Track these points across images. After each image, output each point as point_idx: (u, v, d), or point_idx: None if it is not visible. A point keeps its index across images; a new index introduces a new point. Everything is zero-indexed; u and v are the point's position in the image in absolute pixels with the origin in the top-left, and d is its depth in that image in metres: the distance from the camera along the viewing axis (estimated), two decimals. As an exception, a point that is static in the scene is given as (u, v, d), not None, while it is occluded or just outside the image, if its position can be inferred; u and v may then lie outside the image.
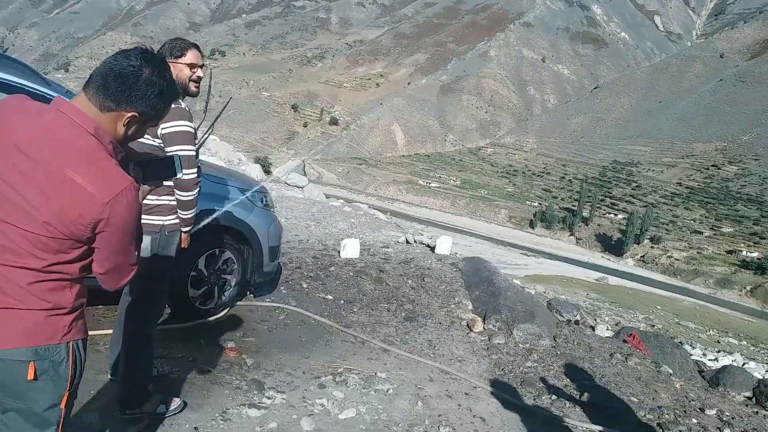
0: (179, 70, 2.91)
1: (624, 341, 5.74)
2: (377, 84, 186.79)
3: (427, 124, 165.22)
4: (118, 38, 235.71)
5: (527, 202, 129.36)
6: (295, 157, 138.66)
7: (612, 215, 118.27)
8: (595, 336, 5.75)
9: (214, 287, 4.62)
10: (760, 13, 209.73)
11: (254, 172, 13.85)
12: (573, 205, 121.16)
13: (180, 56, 2.92)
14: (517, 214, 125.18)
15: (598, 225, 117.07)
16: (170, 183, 2.90)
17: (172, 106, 2.52)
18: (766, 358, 22.46)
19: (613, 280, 58.68)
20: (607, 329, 6.59)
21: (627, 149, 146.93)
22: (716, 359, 12.67)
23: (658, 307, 44.76)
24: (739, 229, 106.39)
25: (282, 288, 5.68)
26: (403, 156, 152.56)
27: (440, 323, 5.43)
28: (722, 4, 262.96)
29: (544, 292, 12.96)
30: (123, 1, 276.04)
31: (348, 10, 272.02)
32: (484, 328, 5.35)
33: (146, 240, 2.93)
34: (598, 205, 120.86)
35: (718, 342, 31.23)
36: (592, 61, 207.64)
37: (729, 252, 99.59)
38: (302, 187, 14.08)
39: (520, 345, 5.11)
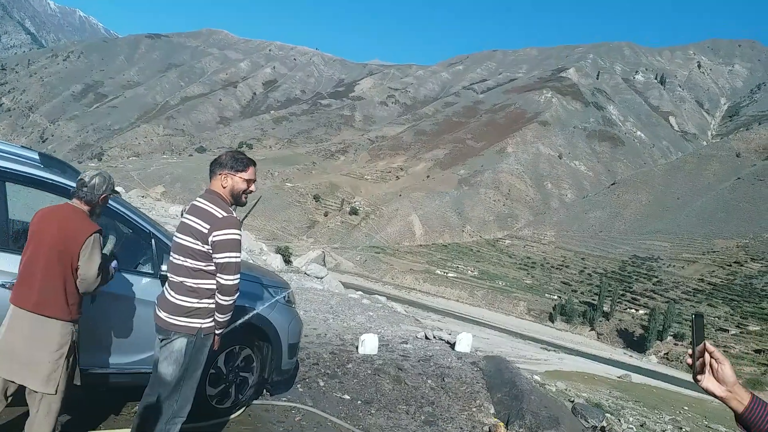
0: (236, 182, 3.11)
1: (655, 453, 5.44)
2: (397, 177, 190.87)
3: (445, 216, 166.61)
4: (150, 130, 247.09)
5: (546, 294, 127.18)
6: (314, 245, 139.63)
7: (633, 310, 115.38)
8: (624, 446, 5.46)
9: (231, 385, 4.55)
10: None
11: (275, 262, 13.95)
12: (593, 299, 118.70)
13: (241, 171, 3.12)
14: (536, 306, 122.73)
15: (620, 320, 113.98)
16: (212, 286, 3.02)
17: (226, 214, 2.99)
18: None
19: (637, 378, 56.36)
20: (637, 439, 6.26)
21: (646, 244, 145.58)
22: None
23: (685, 407, 42.48)
24: (766, 328, 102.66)
25: (299, 385, 5.57)
26: (421, 245, 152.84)
27: (461, 428, 5.24)
28: (736, 106, 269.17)
29: (566, 389, 12.48)
30: (159, 97, 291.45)
31: (371, 109, 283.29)
32: (506, 434, 5.14)
33: (181, 343, 3.04)
34: (618, 300, 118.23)
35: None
36: (608, 158, 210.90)
37: (757, 351, 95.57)
38: (321, 278, 14.11)
39: (545, 454, 4.88)
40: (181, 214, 3.34)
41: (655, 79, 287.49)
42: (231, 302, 3.09)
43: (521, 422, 5.21)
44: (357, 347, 7.22)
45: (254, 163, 3.28)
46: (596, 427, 5.91)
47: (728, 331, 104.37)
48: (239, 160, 3.16)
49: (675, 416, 34.60)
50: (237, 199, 3.14)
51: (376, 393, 5.79)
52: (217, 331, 3.20)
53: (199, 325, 3.08)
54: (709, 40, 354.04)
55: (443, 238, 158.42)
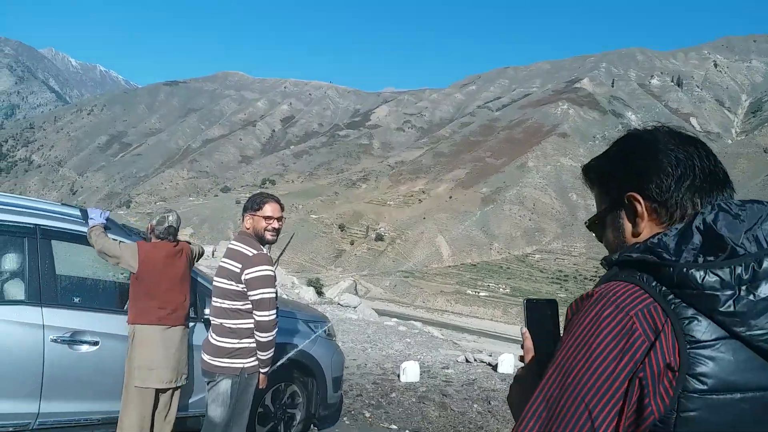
0: (257, 221, 3.22)
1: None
2: (420, 200, 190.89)
3: (471, 235, 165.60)
4: (176, 174, 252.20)
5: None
6: (343, 274, 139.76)
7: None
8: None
9: (280, 423, 4.57)
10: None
11: (307, 294, 14.02)
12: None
13: (258, 210, 3.23)
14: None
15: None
16: (250, 325, 3.11)
17: (256, 252, 3.10)
18: None
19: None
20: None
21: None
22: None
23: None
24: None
25: (345, 418, 5.55)
26: (450, 267, 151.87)
27: (513, 452, 5.15)
28: (758, 102, 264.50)
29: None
30: (181, 141, 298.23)
31: (389, 136, 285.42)
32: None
33: (226, 384, 3.12)
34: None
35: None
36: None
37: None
38: (355, 307, 14.11)
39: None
40: (212, 254, 3.54)
41: (672, 81, 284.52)
42: (270, 339, 3.14)
43: (574, 442, 5.08)
44: (399, 375, 7.17)
45: (275, 199, 3.41)
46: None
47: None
48: (255, 200, 3.32)
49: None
50: (261, 238, 3.24)
51: (422, 421, 5.73)
52: (262, 370, 3.25)
53: (241, 365, 3.14)
54: (722, 38, 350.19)
55: (471, 258, 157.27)
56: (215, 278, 3.30)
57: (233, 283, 3.08)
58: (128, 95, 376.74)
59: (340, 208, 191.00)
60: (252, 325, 3.13)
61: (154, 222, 3.93)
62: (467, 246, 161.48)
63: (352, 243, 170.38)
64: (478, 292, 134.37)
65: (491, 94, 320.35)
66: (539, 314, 1.20)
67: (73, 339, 3.65)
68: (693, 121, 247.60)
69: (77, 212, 4.11)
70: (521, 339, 1.17)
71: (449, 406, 6.14)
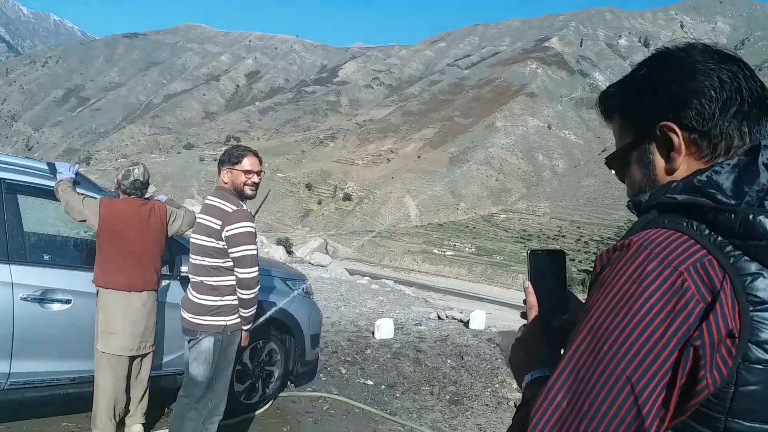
0: (235, 176, 3.13)
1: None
2: (388, 159, 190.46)
3: (439, 195, 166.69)
4: (137, 131, 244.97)
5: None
6: (311, 234, 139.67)
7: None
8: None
9: (258, 380, 4.56)
10: (760, 69, 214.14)
11: (277, 254, 13.93)
12: (591, 267, 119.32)
13: (236, 163, 3.14)
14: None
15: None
16: (231, 282, 3.05)
17: (236, 208, 3.05)
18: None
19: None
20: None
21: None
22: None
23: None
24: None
25: (321, 375, 5.59)
26: (417, 226, 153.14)
27: (487, 405, 5.27)
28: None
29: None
30: (142, 96, 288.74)
31: (357, 92, 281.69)
32: (532, 407, 5.17)
33: (209, 342, 3.07)
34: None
35: None
36: (597, 125, 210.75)
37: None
38: (326, 266, 14.11)
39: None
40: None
41: (639, 42, 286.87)
42: (253, 295, 3.09)
43: (546, 394, 5.24)
44: (373, 332, 7.24)
45: (253, 153, 3.29)
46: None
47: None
48: (232, 154, 3.20)
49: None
50: (240, 193, 3.14)
51: (398, 376, 5.82)
52: (244, 327, 3.20)
53: (224, 323, 3.08)
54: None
55: (438, 218, 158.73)
56: (193, 235, 3.21)
57: (213, 240, 3.01)
58: (85, 47, 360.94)
59: (308, 167, 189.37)
60: (233, 282, 3.07)
61: (119, 176, 3.71)
62: (434, 206, 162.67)
63: (319, 202, 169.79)
64: (445, 252, 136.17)
65: (461, 52, 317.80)
66: (544, 267, 1.08)
67: (44, 297, 3.52)
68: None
69: (44, 166, 3.92)
70: (524, 293, 1.06)
71: (423, 361, 6.24)
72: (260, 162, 3.33)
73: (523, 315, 1.04)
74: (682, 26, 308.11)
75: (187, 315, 3.14)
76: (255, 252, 3.07)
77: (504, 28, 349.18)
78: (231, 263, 3.03)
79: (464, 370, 6.10)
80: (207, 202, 3.16)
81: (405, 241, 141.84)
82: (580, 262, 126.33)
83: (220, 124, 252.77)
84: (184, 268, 4.04)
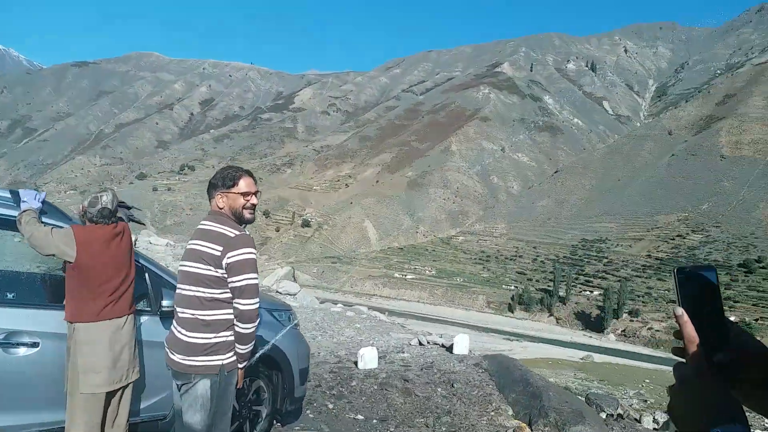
0: (232, 200, 2.88)
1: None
2: (346, 184, 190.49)
3: (398, 219, 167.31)
4: (87, 161, 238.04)
5: (503, 286, 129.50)
6: (269, 262, 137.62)
7: (588, 292, 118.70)
8: (647, 431, 5.38)
9: (245, 421, 4.20)
10: (699, 91, 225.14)
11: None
12: (549, 286, 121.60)
13: (232, 186, 2.89)
14: (495, 298, 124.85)
15: (576, 303, 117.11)
16: (228, 316, 2.76)
17: (238, 233, 2.80)
18: None
19: (599, 358, 58.14)
20: (654, 419, 6.21)
21: (594, 227, 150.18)
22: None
23: (647, 380, 44.00)
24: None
25: (308, 411, 5.24)
26: (377, 251, 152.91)
27: (485, 435, 5.03)
28: (663, 86, 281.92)
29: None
30: (92, 126, 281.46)
31: (313, 119, 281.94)
32: (533, 435, 4.96)
33: (205, 385, 2.74)
34: (573, 284, 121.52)
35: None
36: (549, 147, 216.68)
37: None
38: (294, 294, 13.71)
39: (576, 451, 4.72)
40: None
41: (586, 66, 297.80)
42: (253, 330, 2.78)
43: (546, 420, 5.03)
44: (356, 363, 6.92)
45: (247, 172, 3.03)
46: (613, 415, 5.81)
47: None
48: (227, 176, 2.93)
49: (638, 390, 35.70)
50: (240, 217, 2.87)
51: (388, 409, 5.51)
52: (240, 365, 2.86)
53: (220, 362, 2.75)
54: (633, 24, 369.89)
55: (398, 241, 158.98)
56: (184, 263, 2.87)
57: (211, 268, 2.70)
58: (32, 76, 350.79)
59: (265, 194, 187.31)
60: (229, 316, 2.76)
61: (85, 203, 3.38)
62: (394, 230, 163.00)
63: (277, 230, 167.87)
64: (405, 275, 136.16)
65: (415, 78, 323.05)
66: (698, 288, 0.86)
67: (9, 341, 3.12)
68: (605, 104, 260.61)
69: (7, 194, 3.52)
70: (675, 324, 0.83)
71: (413, 391, 5.96)
72: (256, 182, 3.05)
73: (677, 350, 0.85)
74: (626, 51, 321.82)
75: (177, 357, 2.79)
76: (257, 281, 2.82)
77: (456, 54, 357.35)
78: (228, 294, 2.76)
79: (456, 399, 5.85)
80: (202, 227, 2.86)
81: (365, 266, 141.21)
82: (537, 281, 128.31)
83: (174, 153, 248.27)
84: (165, 303, 3.70)
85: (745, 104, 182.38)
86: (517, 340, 74.57)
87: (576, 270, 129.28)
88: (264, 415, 4.34)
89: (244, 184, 2.93)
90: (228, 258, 2.70)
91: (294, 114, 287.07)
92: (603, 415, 5.74)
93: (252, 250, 2.79)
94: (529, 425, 5.11)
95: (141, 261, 3.84)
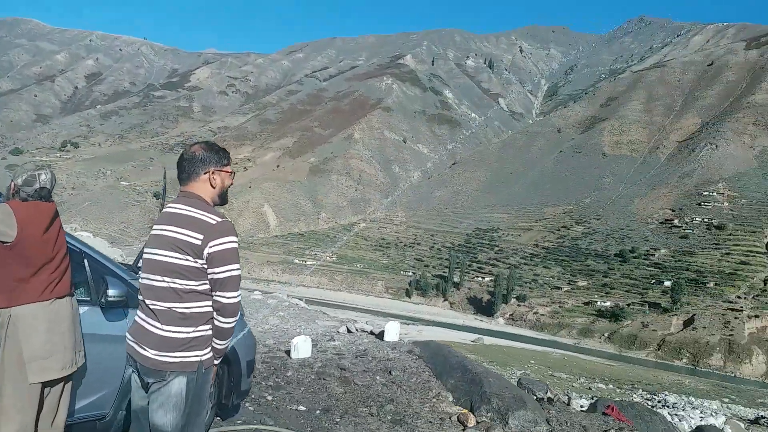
0: (224, 178, 2.67)
1: (604, 413, 5.70)
2: (245, 168, 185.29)
3: (299, 204, 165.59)
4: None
5: (402, 272, 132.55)
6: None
7: (480, 278, 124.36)
8: (580, 413, 5.64)
9: (189, 417, 3.88)
10: (585, 93, 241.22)
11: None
12: (444, 272, 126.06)
13: (227, 164, 2.68)
14: (394, 284, 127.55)
15: (469, 289, 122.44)
16: (207, 309, 2.53)
17: (219, 219, 2.52)
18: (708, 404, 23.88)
19: (489, 340, 60.83)
20: (581, 402, 6.53)
21: (487, 217, 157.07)
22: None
23: (532, 361, 46.97)
24: (591, 282, 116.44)
25: (247, 404, 4.98)
26: (276, 236, 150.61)
27: (431, 422, 5.03)
28: (554, 87, 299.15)
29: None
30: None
31: (210, 99, 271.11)
32: (477, 421, 5.02)
33: (180, 383, 2.48)
34: (466, 271, 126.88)
35: (590, 389, 33.10)
36: (448, 139, 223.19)
37: (586, 303, 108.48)
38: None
39: (520, 435, 4.84)
40: None
41: (485, 63, 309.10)
42: (233, 325, 2.56)
43: (488, 407, 5.12)
44: (288, 352, 6.69)
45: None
46: (543, 399, 6.04)
47: (561, 288, 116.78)
48: (222, 153, 2.67)
49: (525, 370, 37.94)
50: (224, 198, 2.68)
51: (329, 398, 5.37)
52: (216, 362, 2.63)
53: (198, 358, 2.51)
54: (528, 26, 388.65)
55: (299, 227, 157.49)
56: (153, 251, 2.56)
57: (189, 257, 2.44)
58: None
59: (156, 175, 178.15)
60: (207, 309, 2.51)
61: (18, 181, 2.95)
62: (295, 215, 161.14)
63: (160, 211, 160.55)
64: (306, 261, 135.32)
65: (318, 64, 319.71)
66: None
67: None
68: (501, 101, 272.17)
69: None
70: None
71: (351, 380, 5.85)
72: None
73: None
74: (521, 51, 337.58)
75: (150, 352, 2.50)
76: (239, 272, 2.58)
77: (360, 43, 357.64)
78: (207, 286, 2.52)
79: (396, 386, 5.81)
80: (174, 210, 2.57)
81: (264, 252, 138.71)
82: (434, 267, 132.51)
83: (55, 128, 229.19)
84: (112, 292, 3.32)
85: (624, 107, 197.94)
86: (414, 324, 76.40)
87: (470, 257, 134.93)
88: (207, 409, 4.05)
89: (230, 164, 2.73)
90: (210, 247, 2.45)
91: (190, 93, 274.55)
92: (534, 398, 5.95)
93: (234, 238, 2.55)
94: (471, 411, 5.18)
95: (78, 246, 3.42)
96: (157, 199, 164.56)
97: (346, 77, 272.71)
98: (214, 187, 2.63)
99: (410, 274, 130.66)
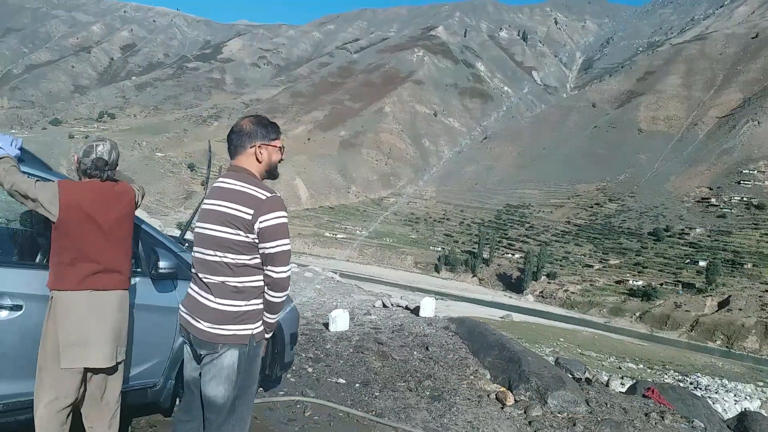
0: (271, 152, 2.65)
1: (644, 395, 5.63)
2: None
3: (330, 178, 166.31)
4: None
5: (431, 247, 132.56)
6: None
7: (510, 255, 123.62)
8: (619, 395, 5.59)
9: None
10: (621, 67, 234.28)
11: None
12: (473, 248, 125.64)
13: (275, 138, 2.66)
14: (423, 259, 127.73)
15: (498, 265, 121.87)
16: (259, 283, 2.54)
17: (269, 194, 2.51)
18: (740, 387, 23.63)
19: (517, 317, 60.70)
20: (621, 384, 6.48)
21: (518, 193, 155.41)
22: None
23: (561, 339, 46.80)
24: (624, 261, 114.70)
25: (289, 376, 5.07)
26: (308, 209, 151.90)
27: (469, 399, 5.04)
28: (589, 60, 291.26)
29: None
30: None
31: (242, 71, 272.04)
32: (516, 400, 5.02)
33: (233, 356, 2.52)
34: (496, 247, 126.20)
35: (620, 368, 32.85)
36: (479, 113, 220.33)
37: (618, 282, 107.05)
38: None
39: (559, 415, 4.81)
40: None
41: (518, 35, 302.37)
42: (284, 299, 2.60)
43: (527, 386, 5.10)
44: (326, 325, 6.77)
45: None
46: (581, 379, 6.00)
47: (593, 266, 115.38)
48: (271, 127, 2.65)
49: (554, 348, 37.79)
50: (273, 173, 2.67)
51: (368, 372, 5.43)
52: (266, 335, 2.65)
53: (250, 332, 2.53)
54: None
55: (329, 201, 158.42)
56: (204, 225, 2.59)
57: (240, 232, 2.46)
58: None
59: (190, 147, 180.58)
60: (259, 283, 2.52)
61: (80, 153, 2.90)
62: (325, 189, 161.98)
63: (203, 184, 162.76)
64: (336, 234, 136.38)
65: (349, 36, 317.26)
66: None
67: (-12, 303, 2.75)
68: (535, 74, 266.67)
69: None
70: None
71: (389, 354, 5.90)
72: None
73: None
74: (556, 23, 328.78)
75: (203, 324, 2.54)
76: (290, 247, 2.58)
77: (391, 15, 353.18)
78: (258, 260, 2.52)
79: (434, 362, 5.84)
80: (224, 185, 2.58)
81: (296, 224, 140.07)
82: (463, 243, 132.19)
83: (92, 99, 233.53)
84: (163, 264, 3.37)
85: (662, 82, 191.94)
86: (442, 299, 76.65)
87: (500, 234, 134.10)
88: (257, 383, 4.13)
89: (278, 139, 2.71)
90: (260, 222, 2.46)
91: (222, 65, 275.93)
92: (573, 379, 5.91)
93: (284, 213, 2.57)
94: (510, 390, 5.18)
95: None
96: (191, 171, 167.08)
97: (377, 49, 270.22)
98: (260, 162, 2.62)
99: (439, 249, 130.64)
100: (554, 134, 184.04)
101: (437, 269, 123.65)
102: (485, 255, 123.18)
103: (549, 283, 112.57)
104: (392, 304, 8.43)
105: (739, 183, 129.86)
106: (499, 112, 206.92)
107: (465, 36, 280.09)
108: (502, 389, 5.20)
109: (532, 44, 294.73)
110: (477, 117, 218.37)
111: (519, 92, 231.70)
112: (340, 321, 6.61)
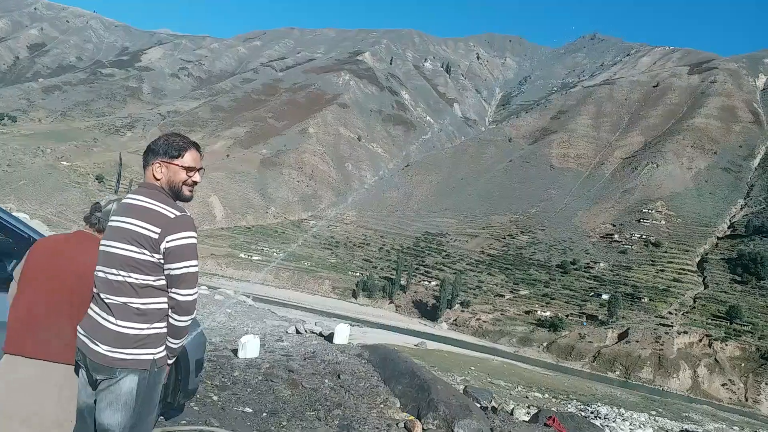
0: (174, 172, 2.51)
1: (545, 424, 5.84)
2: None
3: (248, 197, 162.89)
4: None
5: (350, 272, 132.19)
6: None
7: (426, 282, 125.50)
8: (523, 423, 5.76)
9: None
10: (537, 104, 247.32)
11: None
12: (392, 274, 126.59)
13: (176, 157, 2.51)
14: (341, 284, 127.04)
15: (415, 292, 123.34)
16: (162, 305, 2.42)
17: (179, 213, 2.41)
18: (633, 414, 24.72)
19: (431, 345, 61.35)
20: (526, 413, 6.67)
21: (436, 221, 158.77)
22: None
23: (472, 367, 47.86)
24: (533, 292, 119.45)
25: (192, 404, 4.86)
26: (223, 228, 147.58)
27: (378, 429, 5.03)
28: (507, 96, 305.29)
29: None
30: None
31: (161, 81, 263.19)
32: (423, 429, 5.06)
33: (131, 382, 2.36)
34: (413, 274, 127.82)
35: (527, 397, 34.04)
36: (402, 141, 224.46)
37: (527, 312, 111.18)
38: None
39: (465, 444, 4.90)
40: None
41: (442, 67, 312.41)
42: (189, 323, 2.46)
43: (435, 414, 5.16)
44: (235, 351, 6.56)
45: (196, 146, 2.60)
46: (487, 407, 6.14)
47: (504, 296, 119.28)
48: (172, 144, 2.51)
49: (465, 376, 38.57)
50: (177, 194, 2.51)
51: (276, 401, 5.30)
52: (169, 361, 2.52)
53: (152, 357, 2.40)
54: (486, 33, 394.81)
55: (246, 221, 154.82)
56: (110, 243, 2.45)
57: (146, 251, 2.36)
58: None
59: (99, 157, 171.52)
60: (163, 306, 2.41)
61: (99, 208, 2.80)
62: (243, 208, 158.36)
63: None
64: (251, 256, 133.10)
65: (275, 53, 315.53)
66: None
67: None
68: (456, 107, 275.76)
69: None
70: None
71: (299, 382, 5.79)
72: (202, 157, 2.65)
73: None
74: (478, 57, 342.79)
75: (102, 348, 2.38)
76: (197, 269, 2.49)
77: (319, 36, 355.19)
78: (163, 282, 2.42)
79: (344, 391, 5.78)
80: (133, 202, 2.47)
81: (209, 244, 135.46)
82: (382, 269, 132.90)
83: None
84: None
85: (574, 121, 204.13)
86: (359, 325, 76.42)
87: (417, 261, 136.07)
88: (157, 411, 3.92)
89: (190, 158, 2.55)
90: (167, 242, 2.36)
91: (140, 73, 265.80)
92: (479, 407, 6.04)
93: (193, 233, 2.46)
94: (418, 418, 5.21)
95: (29, 233, 3.25)
96: (99, 183, 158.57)
97: (303, 69, 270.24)
98: (158, 179, 2.51)
99: (358, 274, 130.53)
100: (472, 166, 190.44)
101: (355, 295, 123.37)
102: (402, 282, 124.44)
103: (462, 311, 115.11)
104: (306, 331, 8.30)
105: (639, 221, 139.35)
106: (420, 141, 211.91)
107: (391, 63, 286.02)
108: (411, 418, 5.23)
109: (454, 77, 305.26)
110: (400, 144, 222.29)
111: (440, 123, 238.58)
112: (249, 347, 6.43)
